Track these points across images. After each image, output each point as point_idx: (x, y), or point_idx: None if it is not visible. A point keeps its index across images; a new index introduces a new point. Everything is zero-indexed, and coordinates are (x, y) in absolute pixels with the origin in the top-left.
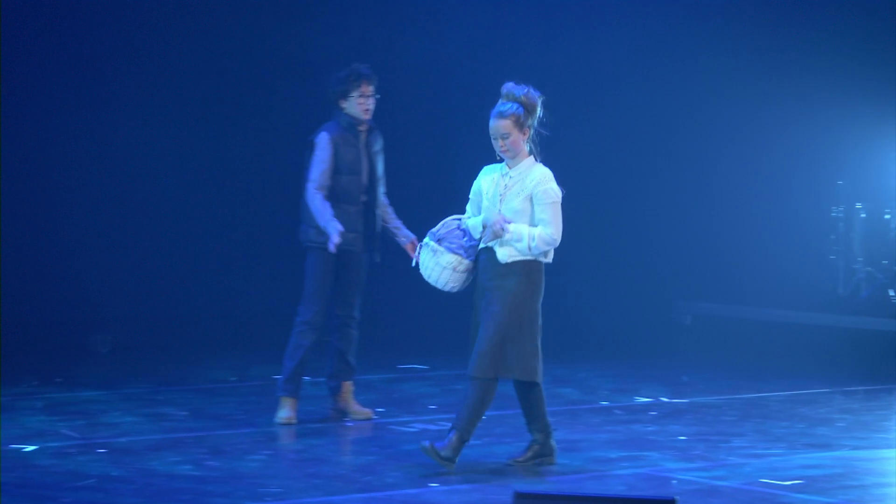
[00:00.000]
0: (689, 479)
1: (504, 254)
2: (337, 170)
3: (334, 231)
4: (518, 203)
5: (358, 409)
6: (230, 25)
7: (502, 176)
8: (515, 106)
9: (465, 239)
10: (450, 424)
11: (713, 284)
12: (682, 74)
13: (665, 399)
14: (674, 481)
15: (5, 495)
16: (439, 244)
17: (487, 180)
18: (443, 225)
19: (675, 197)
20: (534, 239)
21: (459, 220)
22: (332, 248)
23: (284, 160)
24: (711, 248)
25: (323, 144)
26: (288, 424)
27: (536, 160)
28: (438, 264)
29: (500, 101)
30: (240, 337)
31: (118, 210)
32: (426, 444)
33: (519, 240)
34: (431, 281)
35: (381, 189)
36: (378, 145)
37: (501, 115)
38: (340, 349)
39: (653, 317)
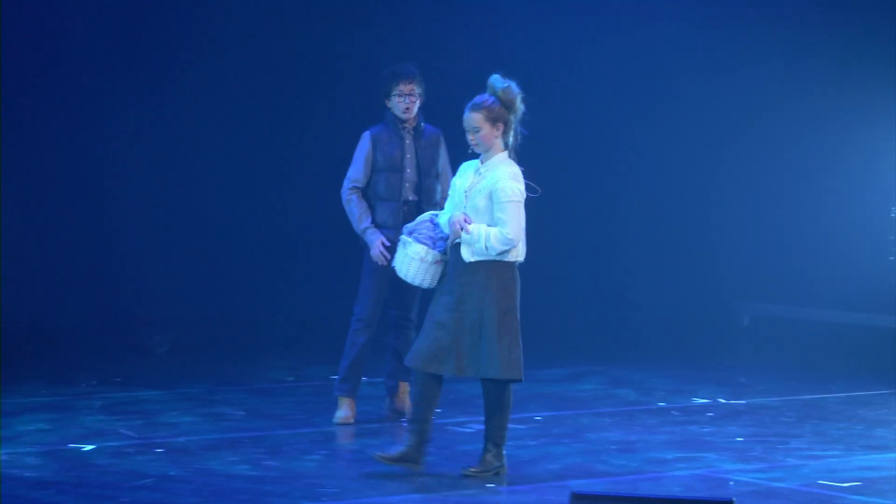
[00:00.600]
0: (747, 481)
1: (465, 253)
2: (378, 167)
3: (371, 242)
4: (480, 200)
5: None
6: (286, 23)
7: (475, 172)
8: (491, 99)
9: (436, 231)
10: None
11: (771, 285)
12: (748, 74)
13: (722, 400)
14: (731, 483)
15: (64, 494)
16: (409, 236)
17: (460, 175)
18: (418, 219)
19: (735, 197)
20: (489, 239)
21: (430, 213)
22: (374, 258)
23: (344, 158)
24: (770, 248)
25: (361, 142)
26: (345, 424)
27: (510, 157)
28: (407, 255)
29: (484, 95)
30: (297, 337)
31: (178, 209)
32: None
33: (476, 241)
34: (401, 274)
35: (437, 187)
36: (430, 143)
37: (473, 108)
38: (397, 349)
39: (711, 318)
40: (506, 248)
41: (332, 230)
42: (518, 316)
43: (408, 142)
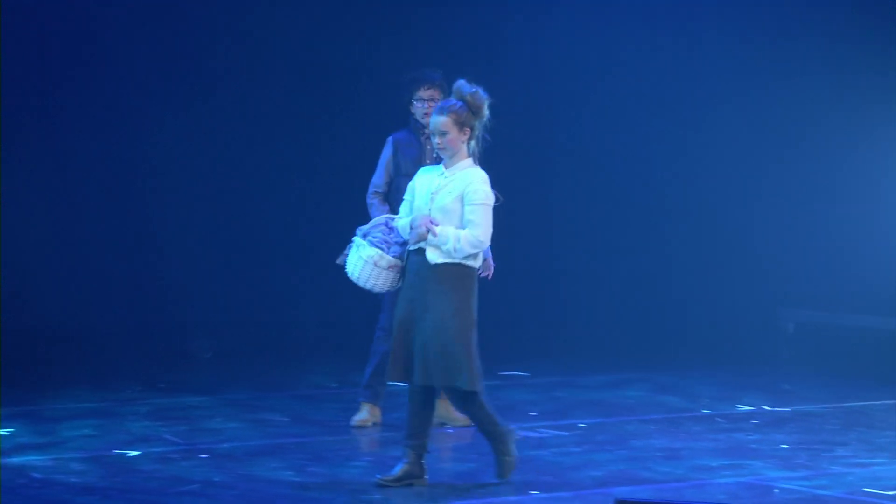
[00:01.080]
0: (792, 489)
1: (432, 255)
2: (399, 172)
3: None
4: (449, 202)
5: (457, 416)
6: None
7: (439, 175)
8: (459, 104)
9: (392, 235)
10: (548, 433)
11: (817, 292)
12: (794, 80)
13: (767, 407)
14: (776, 490)
15: (109, 500)
16: (363, 238)
17: (423, 180)
18: (372, 222)
19: (781, 203)
20: (459, 240)
21: (385, 217)
22: None
23: None
24: (815, 255)
25: (385, 148)
26: (361, 427)
27: (475, 163)
28: (360, 258)
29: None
30: (341, 342)
31: (223, 215)
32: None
33: (444, 242)
34: (354, 278)
35: None
36: None
37: (441, 112)
38: None
39: (756, 324)
40: (475, 250)
41: None
42: (476, 326)
43: (428, 147)
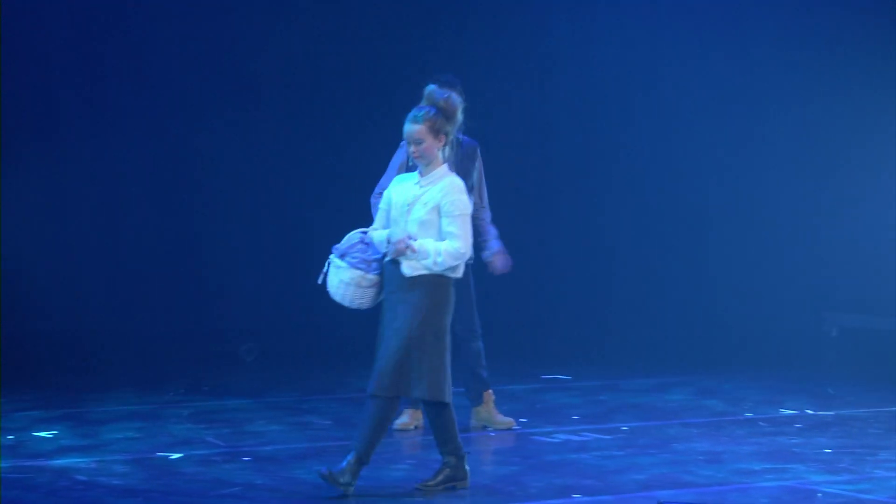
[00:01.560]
0: (835, 492)
1: (409, 267)
2: None
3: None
4: (425, 214)
5: (500, 420)
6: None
7: (414, 185)
8: (433, 111)
9: (369, 252)
10: (590, 436)
11: (860, 296)
12: (848, 83)
13: (810, 411)
14: (819, 494)
15: (151, 502)
16: (342, 259)
17: (398, 190)
18: (347, 239)
19: (825, 207)
20: (440, 254)
21: (364, 233)
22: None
23: None
24: (859, 259)
25: (398, 151)
26: (404, 431)
27: (451, 169)
28: (342, 281)
29: (423, 103)
30: None
31: (265, 219)
32: (324, 470)
33: (425, 257)
34: (337, 299)
35: (472, 199)
36: (466, 155)
37: (416, 120)
38: (468, 365)
39: (799, 328)
40: (457, 262)
41: None
42: (448, 336)
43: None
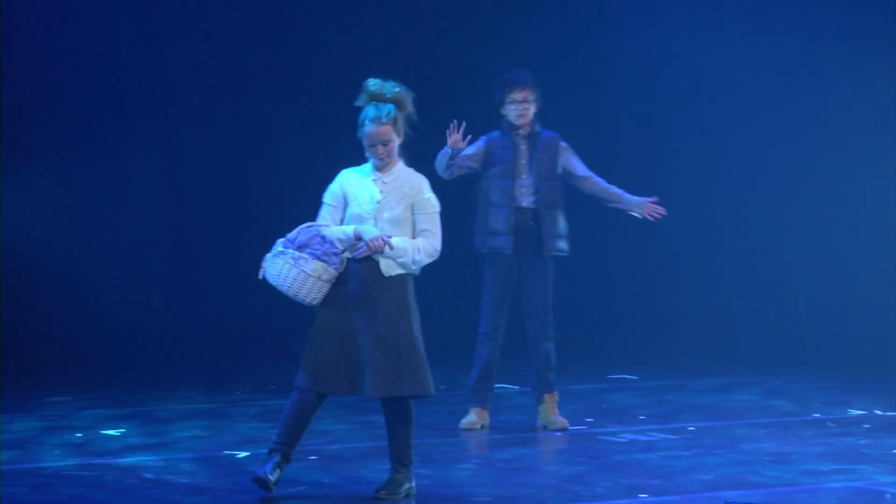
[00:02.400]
0: None
1: (387, 266)
2: (490, 173)
3: (443, 151)
4: (399, 211)
5: (554, 420)
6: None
7: (374, 181)
8: (392, 109)
9: (327, 246)
10: (656, 436)
11: None
12: None
13: (879, 412)
14: (887, 495)
15: (219, 501)
16: (300, 251)
17: (355, 185)
18: (299, 231)
19: (891, 204)
20: (419, 252)
21: (316, 227)
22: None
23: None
24: None
25: (476, 142)
26: (470, 430)
27: (406, 164)
28: (303, 272)
29: (372, 103)
30: (450, 345)
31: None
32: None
33: (402, 255)
34: (292, 292)
35: (557, 189)
36: (547, 147)
37: (381, 122)
38: (535, 363)
39: (867, 328)
40: (432, 260)
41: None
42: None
43: (522, 147)
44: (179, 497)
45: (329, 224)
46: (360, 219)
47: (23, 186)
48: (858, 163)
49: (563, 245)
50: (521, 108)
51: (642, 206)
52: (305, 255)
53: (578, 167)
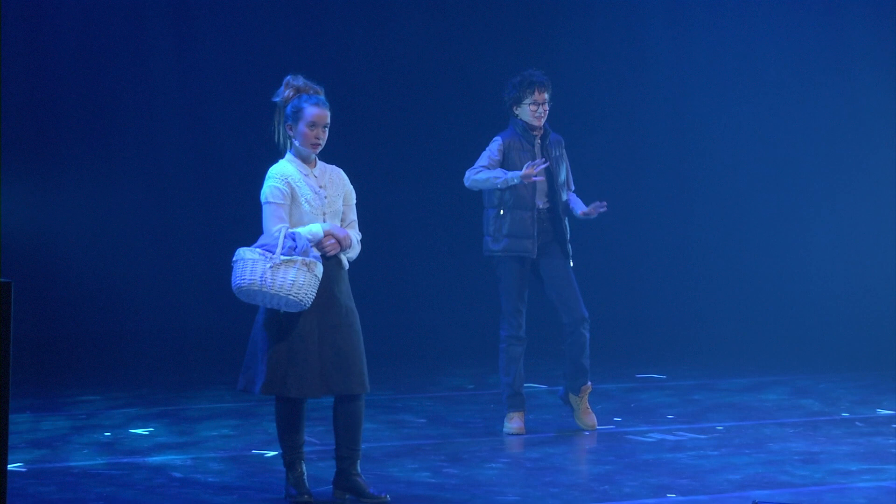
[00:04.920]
0: None
1: (345, 260)
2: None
3: (515, 175)
4: (339, 204)
5: (585, 419)
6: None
7: (307, 177)
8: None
9: (306, 246)
10: (685, 435)
11: None
12: None
13: None
14: None
15: (247, 500)
16: (307, 257)
17: (298, 183)
18: (288, 238)
19: None
20: (358, 244)
21: (291, 230)
22: (525, 177)
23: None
24: None
25: (492, 145)
26: (518, 435)
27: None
28: (315, 276)
29: (309, 92)
30: (478, 344)
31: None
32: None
33: (355, 247)
34: (297, 298)
35: (564, 195)
36: (558, 151)
37: (326, 106)
38: (572, 355)
39: None
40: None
41: None
42: None
43: (537, 150)
44: (208, 496)
45: (287, 224)
46: (311, 216)
47: (52, 187)
48: (889, 162)
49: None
50: (541, 109)
51: (587, 211)
52: (312, 260)
53: (570, 179)
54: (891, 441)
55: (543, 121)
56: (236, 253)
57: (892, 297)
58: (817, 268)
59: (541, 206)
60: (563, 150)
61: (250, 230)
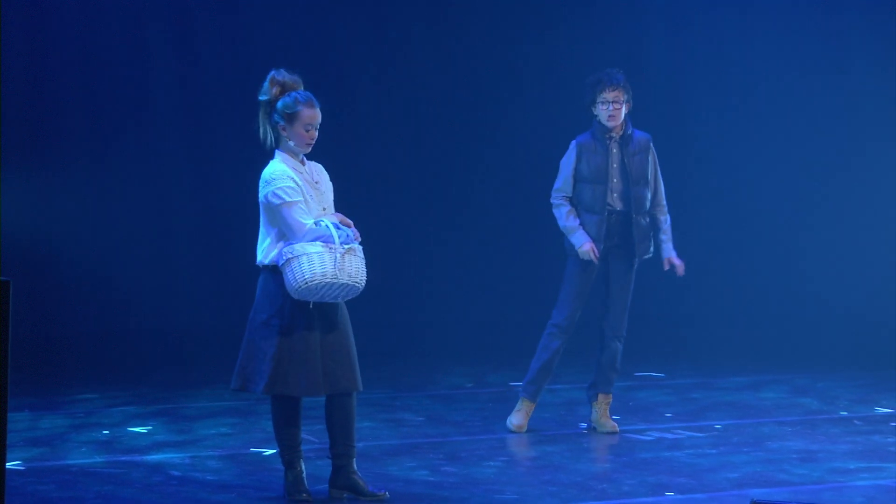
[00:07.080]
0: None
1: None
2: (582, 178)
3: (579, 242)
4: (331, 198)
5: (605, 423)
6: (477, 31)
7: (300, 174)
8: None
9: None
10: (683, 434)
11: None
12: None
13: None
14: None
15: (245, 498)
16: (353, 243)
17: (307, 177)
18: (335, 227)
19: None
20: None
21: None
22: (583, 254)
23: (540, 165)
24: None
25: (568, 152)
26: (518, 433)
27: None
28: (363, 261)
29: (300, 90)
30: (477, 343)
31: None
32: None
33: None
34: (363, 283)
35: (647, 194)
36: (638, 150)
37: (318, 105)
38: (600, 362)
39: (894, 326)
40: None
41: (515, 238)
42: None
43: (614, 151)
44: (206, 494)
45: (311, 220)
46: (313, 211)
47: (51, 186)
48: (889, 161)
49: (649, 246)
50: (612, 108)
51: (667, 259)
52: (358, 245)
53: (659, 184)
54: (889, 439)
55: (619, 121)
56: (291, 249)
57: (891, 296)
58: (816, 267)
59: (616, 209)
60: (650, 150)
61: (250, 230)
